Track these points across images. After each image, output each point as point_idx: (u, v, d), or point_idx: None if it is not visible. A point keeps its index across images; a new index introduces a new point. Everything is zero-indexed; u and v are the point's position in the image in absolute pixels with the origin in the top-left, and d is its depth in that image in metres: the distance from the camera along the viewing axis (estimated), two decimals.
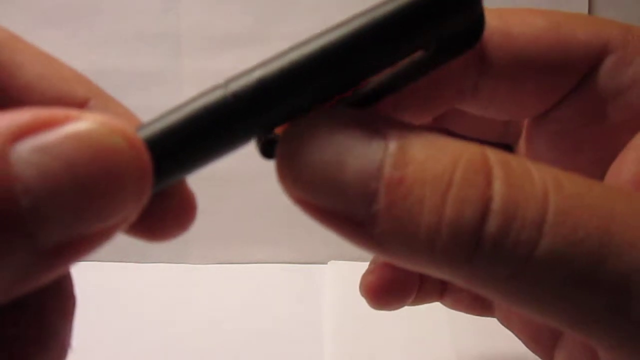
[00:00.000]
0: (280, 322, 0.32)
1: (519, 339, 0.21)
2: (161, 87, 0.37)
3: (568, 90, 0.16)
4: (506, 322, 0.22)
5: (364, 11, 0.14)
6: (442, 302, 0.24)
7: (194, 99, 0.14)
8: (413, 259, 0.13)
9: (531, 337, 0.20)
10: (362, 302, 0.34)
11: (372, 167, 0.12)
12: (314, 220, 0.13)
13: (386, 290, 0.22)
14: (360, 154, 0.12)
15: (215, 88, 0.14)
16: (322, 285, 0.35)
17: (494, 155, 0.12)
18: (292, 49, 0.14)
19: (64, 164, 0.10)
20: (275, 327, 0.32)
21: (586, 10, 0.36)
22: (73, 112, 0.10)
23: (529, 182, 0.12)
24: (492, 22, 0.16)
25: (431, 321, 0.32)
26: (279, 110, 0.14)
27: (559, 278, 0.12)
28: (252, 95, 0.13)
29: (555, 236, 0.12)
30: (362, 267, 0.37)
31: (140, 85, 0.37)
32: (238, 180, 0.37)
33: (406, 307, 0.33)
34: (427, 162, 0.12)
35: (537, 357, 0.28)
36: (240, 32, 0.37)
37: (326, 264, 0.37)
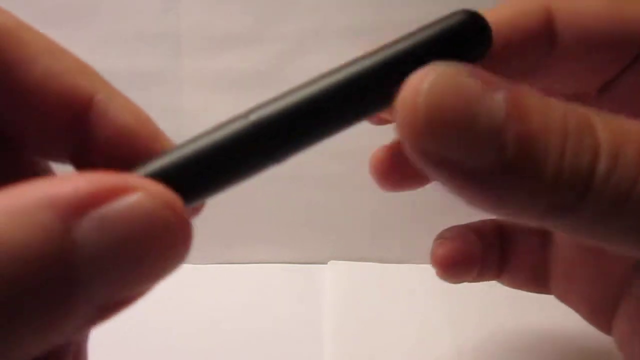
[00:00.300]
0: (280, 322, 0.32)
1: (577, 312, 0.22)
2: (161, 87, 0.37)
3: (629, 61, 0.18)
4: (563, 298, 0.23)
5: (376, 49, 0.16)
6: (499, 281, 0.25)
7: (216, 128, 0.14)
8: (529, 206, 0.14)
9: (589, 310, 0.22)
10: (362, 302, 0.34)
11: (500, 117, 0.13)
12: (433, 173, 0.14)
13: (456, 262, 0.23)
14: (487, 106, 0.13)
15: (237, 118, 0.15)
16: (322, 285, 0.35)
17: (586, 108, 0.14)
18: (317, 78, 0.15)
19: (121, 241, 0.10)
20: (275, 327, 0.32)
21: None
22: (130, 180, 0.11)
23: (623, 128, 0.14)
24: (561, 3, 0.18)
25: (431, 322, 0.32)
26: (299, 140, 0.15)
27: None
28: (272, 125, 0.14)
29: None
30: (362, 267, 0.37)
31: (140, 85, 0.37)
32: None
33: (405, 308, 0.33)
34: (545, 113, 0.14)
35: (538, 355, 0.28)
36: (240, 32, 0.37)
37: (326, 264, 0.37)
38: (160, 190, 0.11)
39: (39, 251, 0.09)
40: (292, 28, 0.37)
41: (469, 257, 0.24)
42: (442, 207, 0.37)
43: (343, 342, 0.30)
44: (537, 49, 0.18)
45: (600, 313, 0.21)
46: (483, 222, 0.24)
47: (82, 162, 0.15)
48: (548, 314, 0.31)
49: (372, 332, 0.31)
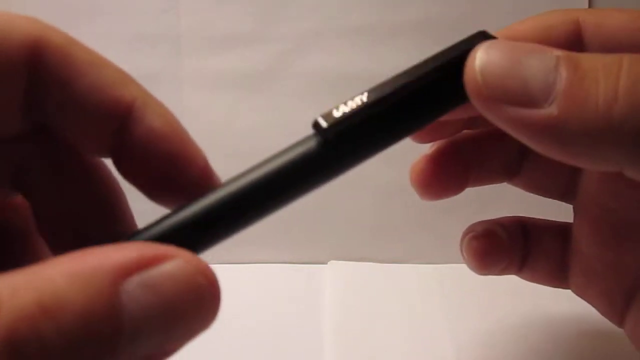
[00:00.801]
0: (280, 322, 0.32)
1: (594, 307, 0.23)
2: (161, 87, 0.37)
3: None
4: (581, 292, 0.24)
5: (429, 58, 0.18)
6: (520, 275, 0.25)
7: (289, 149, 0.17)
8: (586, 134, 0.15)
9: (606, 304, 0.22)
10: (362, 302, 0.34)
11: (551, 64, 0.16)
12: (499, 116, 0.16)
13: (489, 254, 0.24)
14: (538, 57, 0.16)
15: (308, 138, 0.17)
16: (322, 285, 0.35)
17: None
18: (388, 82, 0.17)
19: (162, 300, 0.12)
20: (275, 327, 0.32)
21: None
22: (169, 250, 0.13)
23: None
24: (587, 17, 0.19)
25: (431, 321, 0.32)
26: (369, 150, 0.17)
27: None
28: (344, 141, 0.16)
29: None
30: (362, 267, 0.37)
31: None
32: None
33: (405, 308, 0.33)
34: (594, 57, 0.16)
35: (538, 354, 0.28)
36: (240, 32, 0.37)
37: (326, 264, 0.37)
38: (194, 259, 0.13)
39: (93, 309, 0.11)
40: (292, 28, 0.37)
41: (500, 249, 0.24)
42: (442, 208, 0.37)
43: (343, 342, 0.30)
44: None
45: (615, 308, 0.22)
46: (506, 218, 0.25)
47: (123, 159, 0.16)
48: (548, 313, 0.31)
49: (372, 332, 0.31)
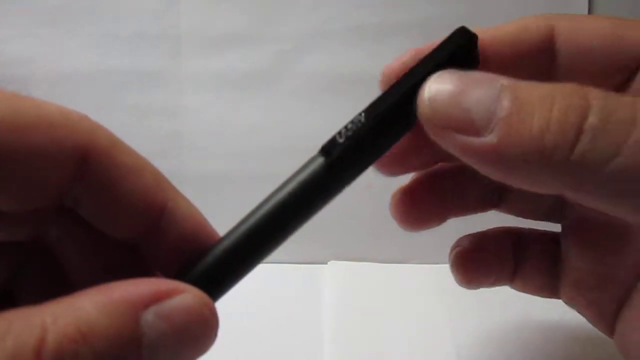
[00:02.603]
0: (280, 322, 0.32)
1: (584, 317, 0.24)
2: (161, 87, 0.37)
3: (625, 77, 0.20)
4: (572, 302, 0.24)
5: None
6: (511, 286, 0.25)
7: (297, 173, 0.18)
8: (523, 161, 0.16)
9: (595, 314, 0.23)
10: (362, 302, 0.34)
11: (494, 94, 0.16)
12: (447, 143, 0.17)
13: (476, 270, 0.25)
14: (484, 87, 0.17)
15: (312, 161, 0.18)
16: (322, 285, 0.35)
17: (585, 87, 0.16)
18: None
19: (174, 329, 0.14)
20: (275, 327, 0.32)
21: (586, 10, 0.36)
22: (180, 285, 0.15)
23: (618, 99, 0.16)
24: (562, 22, 0.20)
25: (431, 321, 0.32)
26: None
27: None
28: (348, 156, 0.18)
29: None
30: (362, 267, 0.37)
31: (140, 85, 0.37)
32: (238, 181, 0.37)
33: (405, 308, 0.33)
34: (533, 89, 0.16)
35: (537, 354, 0.28)
36: (241, 32, 0.37)
37: (326, 264, 0.37)
38: (200, 293, 0.15)
39: (119, 335, 0.13)
40: (292, 28, 0.37)
41: (487, 265, 0.25)
42: None
43: (343, 342, 0.30)
44: (538, 60, 0.20)
45: (604, 318, 0.22)
46: (498, 229, 0.25)
47: (147, 248, 0.18)
48: (547, 313, 0.31)
49: (371, 332, 0.31)
